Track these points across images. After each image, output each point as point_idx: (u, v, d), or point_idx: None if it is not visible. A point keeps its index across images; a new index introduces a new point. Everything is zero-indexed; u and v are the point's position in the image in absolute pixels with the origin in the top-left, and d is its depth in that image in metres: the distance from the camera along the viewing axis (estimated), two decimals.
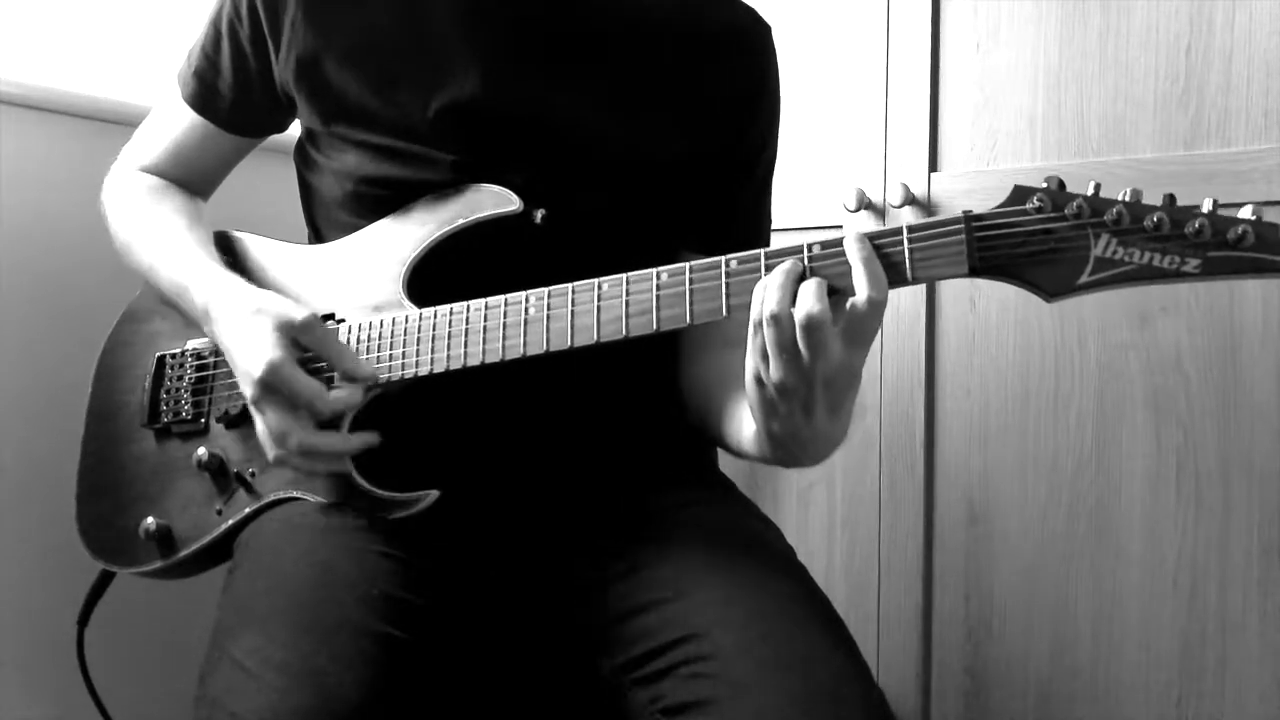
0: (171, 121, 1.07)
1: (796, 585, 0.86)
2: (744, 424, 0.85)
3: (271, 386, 0.84)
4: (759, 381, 0.75)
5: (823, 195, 1.48)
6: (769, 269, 0.75)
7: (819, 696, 0.74)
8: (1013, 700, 1.38)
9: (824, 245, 0.74)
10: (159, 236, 1.01)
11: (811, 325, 0.70)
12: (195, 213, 1.06)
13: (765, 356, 0.73)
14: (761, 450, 0.83)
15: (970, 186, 1.38)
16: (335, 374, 0.87)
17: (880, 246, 0.73)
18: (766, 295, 0.73)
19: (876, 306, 0.71)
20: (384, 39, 0.94)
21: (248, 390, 0.86)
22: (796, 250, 0.76)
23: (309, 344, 0.86)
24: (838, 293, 0.73)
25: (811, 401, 0.73)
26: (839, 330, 0.71)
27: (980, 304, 1.39)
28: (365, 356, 0.89)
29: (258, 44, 0.98)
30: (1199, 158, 1.23)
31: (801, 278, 0.73)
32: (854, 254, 0.72)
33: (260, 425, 0.87)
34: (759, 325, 0.73)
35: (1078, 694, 1.33)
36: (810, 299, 0.71)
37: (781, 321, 0.71)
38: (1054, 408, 1.34)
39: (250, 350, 0.85)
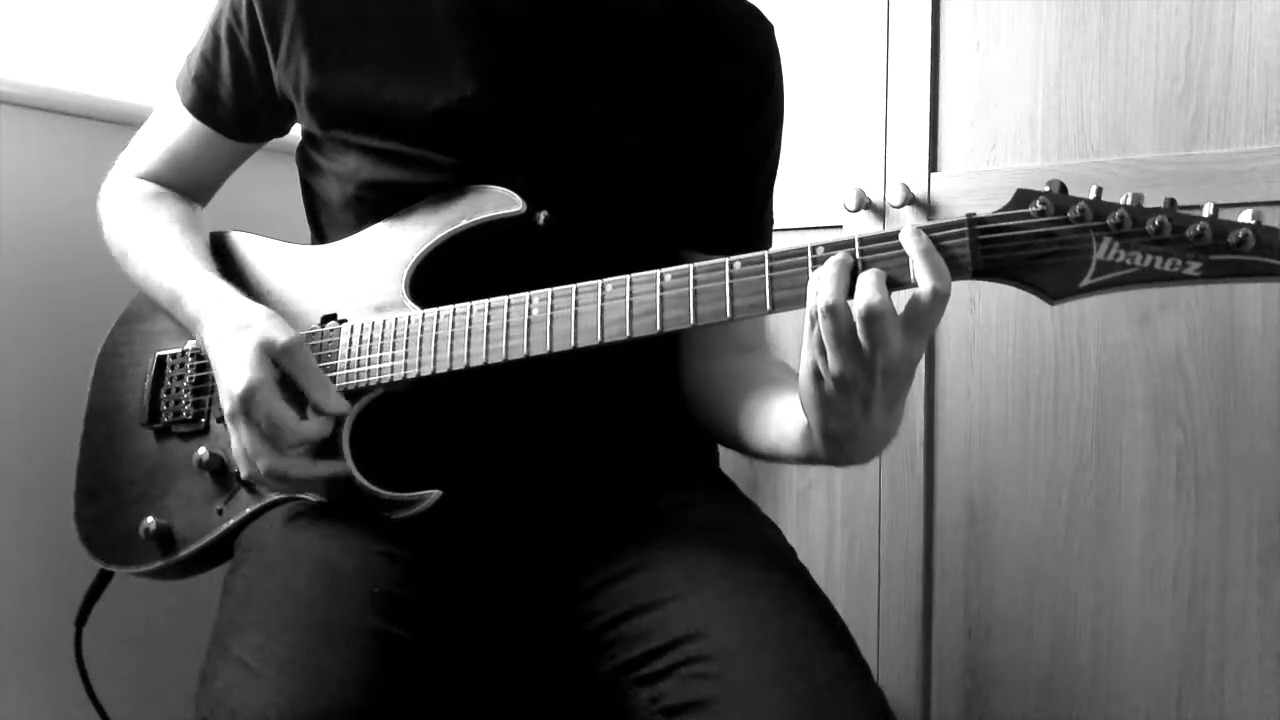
0: (170, 127, 1.07)
1: (796, 585, 0.86)
2: (781, 424, 0.85)
3: (247, 406, 0.84)
4: (816, 375, 0.75)
5: (823, 195, 1.48)
6: (773, 270, 0.76)
7: (819, 696, 0.74)
8: (1013, 700, 1.38)
9: (863, 240, 0.74)
10: (153, 245, 1.01)
11: (872, 316, 0.70)
12: (191, 219, 1.05)
13: (823, 349, 0.73)
14: (811, 448, 0.82)
15: (970, 186, 1.38)
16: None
17: (883, 249, 0.73)
18: (821, 287, 0.72)
19: (941, 297, 0.71)
20: (381, 43, 0.94)
21: (226, 405, 0.86)
22: (800, 252, 0.76)
23: (288, 368, 0.86)
24: (893, 286, 0.73)
25: (871, 394, 0.73)
26: (899, 321, 0.71)
27: (980, 304, 1.39)
28: (368, 356, 0.89)
29: (257, 50, 0.98)
30: (1199, 158, 1.23)
31: (854, 270, 0.73)
32: (913, 246, 0.72)
33: (234, 441, 0.87)
34: (814, 318, 0.73)
35: (1078, 694, 1.33)
36: (870, 289, 0.70)
37: (838, 312, 0.71)
38: (1054, 407, 1.34)
39: (232, 367, 0.86)
